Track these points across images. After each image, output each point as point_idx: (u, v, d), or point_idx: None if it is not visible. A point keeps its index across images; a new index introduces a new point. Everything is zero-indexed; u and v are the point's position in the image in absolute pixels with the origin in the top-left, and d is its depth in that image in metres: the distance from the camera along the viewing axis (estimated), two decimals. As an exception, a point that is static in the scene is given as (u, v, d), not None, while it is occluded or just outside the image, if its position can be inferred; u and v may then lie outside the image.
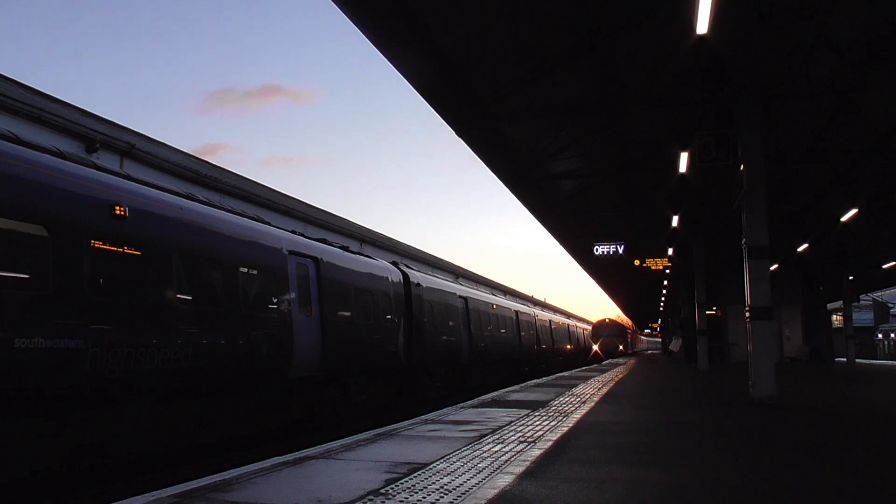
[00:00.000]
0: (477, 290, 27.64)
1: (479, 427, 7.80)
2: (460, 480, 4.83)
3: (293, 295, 11.30)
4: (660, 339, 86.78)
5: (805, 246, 24.50)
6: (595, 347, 51.95)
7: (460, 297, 20.76)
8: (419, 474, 5.06)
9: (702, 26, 8.40)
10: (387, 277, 15.80)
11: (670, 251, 25.12)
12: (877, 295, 53.90)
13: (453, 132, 13.32)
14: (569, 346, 42.62)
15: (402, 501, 4.20)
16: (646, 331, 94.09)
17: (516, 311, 29.19)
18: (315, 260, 12.31)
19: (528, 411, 9.48)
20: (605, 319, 57.87)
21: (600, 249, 22.73)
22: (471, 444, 6.54)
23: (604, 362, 43.16)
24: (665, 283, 38.42)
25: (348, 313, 13.38)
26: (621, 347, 55.53)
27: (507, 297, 44.03)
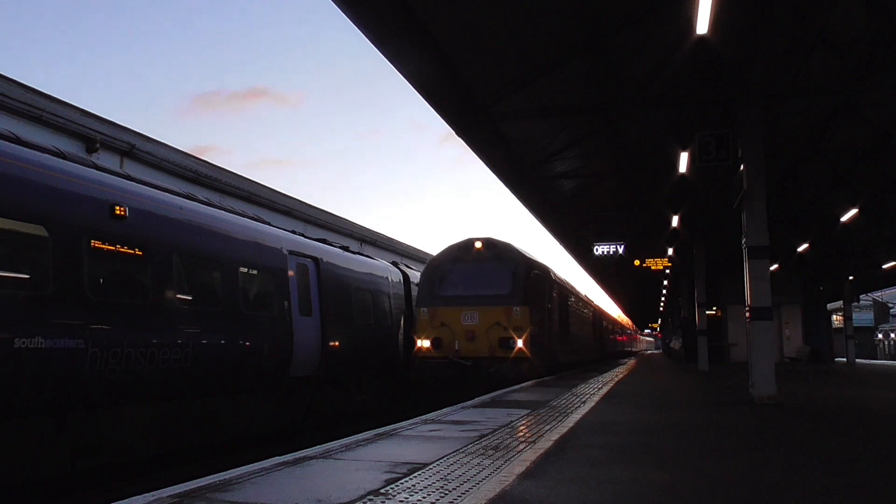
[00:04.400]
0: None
1: (479, 427, 7.80)
2: (460, 480, 4.83)
3: (293, 295, 11.31)
4: (660, 339, 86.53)
5: (805, 246, 24.50)
6: (422, 342, 14.88)
7: None
8: (419, 474, 5.05)
9: (702, 26, 8.40)
10: (387, 277, 15.81)
11: (670, 251, 25.12)
12: (877, 295, 53.89)
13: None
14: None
15: (402, 501, 4.20)
16: (645, 330, 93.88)
17: None
18: (315, 260, 12.31)
19: (529, 411, 9.47)
20: (472, 243, 15.74)
21: (600, 249, 22.74)
22: (471, 443, 6.53)
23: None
24: (665, 283, 38.41)
25: (348, 313, 13.39)
26: (520, 343, 14.35)
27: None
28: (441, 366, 14.50)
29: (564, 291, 21.45)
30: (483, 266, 15.38)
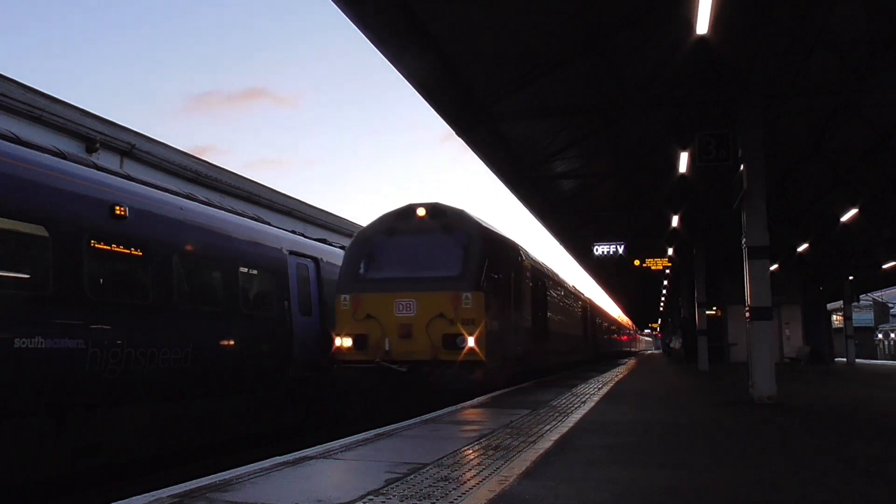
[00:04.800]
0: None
1: (479, 427, 7.80)
2: (460, 480, 4.83)
3: (293, 295, 11.30)
4: (660, 339, 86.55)
5: (805, 246, 24.50)
6: (341, 341, 11.19)
7: None
8: (419, 474, 5.05)
9: (702, 26, 8.40)
10: (387, 277, 15.76)
11: (670, 251, 25.12)
12: (877, 295, 53.90)
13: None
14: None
15: (402, 501, 4.20)
16: (645, 330, 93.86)
17: None
18: (315, 260, 12.31)
19: (529, 411, 9.47)
20: (412, 209, 11.89)
21: (600, 249, 22.74)
22: (471, 443, 6.53)
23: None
24: (665, 283, 38.41)
25: (348, 313, 13.35)
26: (471, 342, 10.59)
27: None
28: (366, 372, 10.86)
29: (542, 277, 17.07)
30: (425, 239, 11.58)
